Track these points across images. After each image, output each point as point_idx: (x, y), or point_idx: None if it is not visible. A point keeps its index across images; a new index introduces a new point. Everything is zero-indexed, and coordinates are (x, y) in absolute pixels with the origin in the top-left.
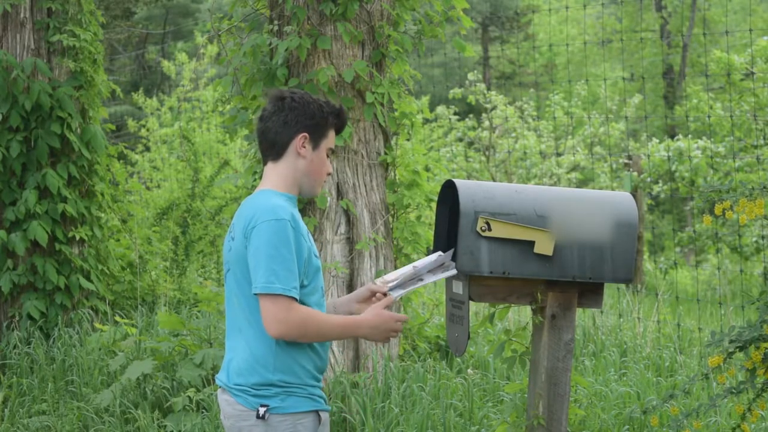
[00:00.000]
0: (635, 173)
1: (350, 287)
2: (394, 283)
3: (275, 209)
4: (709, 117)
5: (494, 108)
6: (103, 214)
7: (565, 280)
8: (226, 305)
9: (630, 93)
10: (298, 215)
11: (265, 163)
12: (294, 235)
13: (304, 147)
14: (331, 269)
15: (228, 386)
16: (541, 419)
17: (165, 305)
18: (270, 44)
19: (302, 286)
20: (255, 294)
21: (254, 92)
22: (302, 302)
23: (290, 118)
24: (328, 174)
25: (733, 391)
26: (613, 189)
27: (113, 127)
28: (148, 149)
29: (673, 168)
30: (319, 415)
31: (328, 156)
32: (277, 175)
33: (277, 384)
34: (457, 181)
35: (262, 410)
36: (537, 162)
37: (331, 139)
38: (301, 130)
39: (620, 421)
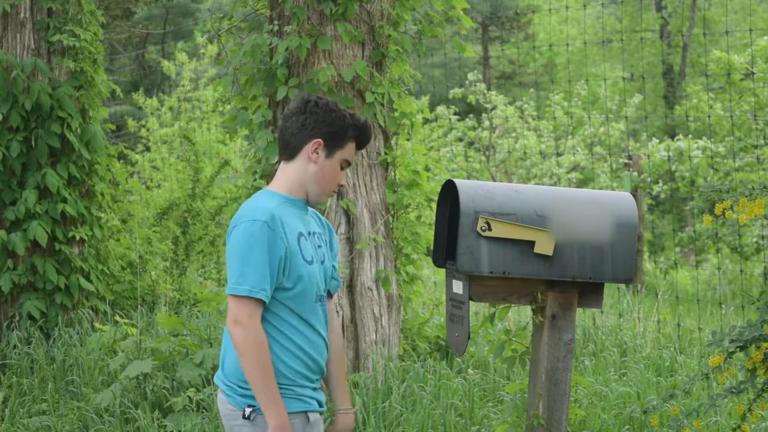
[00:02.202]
0: (635, 173)
1: (350, 287)
2: None
3: (255, 211)
4: (709, 117)
5: (494, 108)
6: (103, 214)
7: (565, 280)
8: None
9: (630, 93)
10: (290, 216)
11: (279, 161)
12: (270, 236)
13: (316, 153)
14: None
15: (220, 385)
16: (541, 419)
17: (165, 305)
18: (270, 44)
19: (283, 289)
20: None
21: (254, 92)
22: (286, 306)
23: (308, 122)
24: (340, 186)
25: (734, 391)
26: (613, 189)
27: (113, 127)
28: (148, 149)
29: (673, 168)
30: (307, 417)
31: (343, 168)
32: (285, 176)
33: None
34: (458, 181)
35: (248, 411)
36: (537, 162)
37: (348, 151)
38: (317, 135)
39: (620, 421)
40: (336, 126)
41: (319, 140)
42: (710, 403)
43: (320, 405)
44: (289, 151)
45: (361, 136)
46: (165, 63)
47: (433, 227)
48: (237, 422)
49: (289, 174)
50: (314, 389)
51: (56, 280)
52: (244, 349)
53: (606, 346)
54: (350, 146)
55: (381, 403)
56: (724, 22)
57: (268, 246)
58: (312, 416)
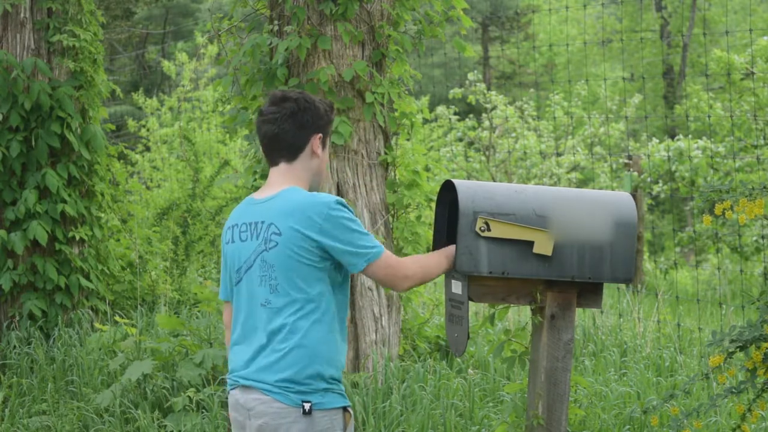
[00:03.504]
0: (635, 173)
1: (350, 287)
2: None
3: (326, 194)
4: (709, 117)
5: (494, 108)
6: (103, 214)
7: (565, 280)
8: (249, 302)
9: (630, 93)
10: None
11: (275, 164)
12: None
13: (319, 147)
14: None
15: (264, 384)
16: (541, 419)
17: (165, 305)
18: (270, 44)
19: (339, 276)
20: (364, 269)
21: (254, 92)
22: (340, 296)
23: (305, 120)
24: None
25: (734, 391)
26: (613, 189)
27: (113, 127)
28: (148, 149)
29: (673, 168)
30: (347, 412)
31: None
32: (293, 176)
33: (326, 378)
34: (457, 182)
35: (307, 406)
36: (537, 162)
37: (330, 135)
38: (317, 130)
39: (620, 421)
40: (325, 116)
41: (321, 135)
42: (710, 403)
43: None
44: (291, 152)
45: (333, 117)
46: (165, 63)
47: (433, 227)
48: (287, 420)
49: (296, 174)
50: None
51: (56, 280)
52: (422, 274)
53: (606, 346)
54: (331, 129)
55: (381, 403)
56: (724, 22)
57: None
58: (351, 411)
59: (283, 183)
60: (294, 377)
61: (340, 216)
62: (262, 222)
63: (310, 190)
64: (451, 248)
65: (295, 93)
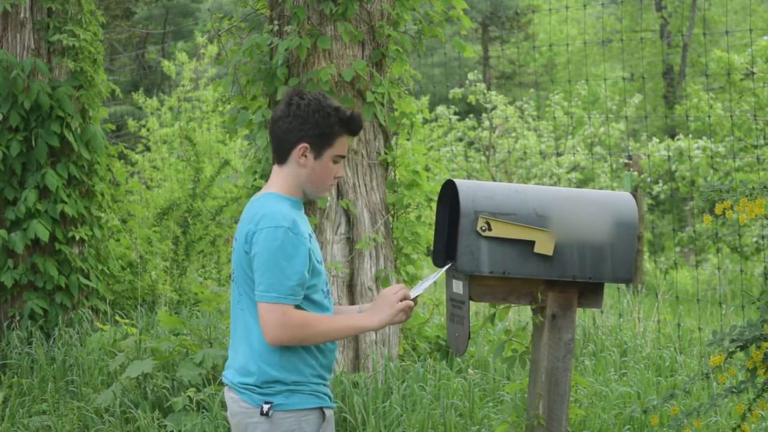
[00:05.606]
0: (635, 173)
1: (350, 287)
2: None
3: (275, 215)
4: (709, 117)
5: (494, 108)
6: (103, 214)
7: (565, 280)
8: (232, 303)
9: (630, 93)
10: (300, 219)
11: (273, 163)
12: (295, 240)
13: (305, 156)
14: (331, 269)
15: (233, 384)
16: (541, 419)
17: (165, 305)
18: (270, 44)
19: (307, 287)
20: (257, 301)
21: (254, 92)
22: (308, 299)
23: (293, 126)
24: (337, 177)
25: (734, 390)
26: (613, 189)
27: (113, 127)
28: (148, 149)
29: (673, 168)
30: (323, 412)
31: (336, 162)
32: (281, 179)
33: (282, 381)
34: (457, 181)
35: (266, 407)
36: (537, 162)
37: (338, 147)
38: (303, 139)
39: (620, 421)
40: (321, 126)
41: (305, 145)
42: (710, 403)
43: (331, 400)
44: (280, 154)
45: (351, 128)
46: (165, 63)
47: (433, 227)
48: (253, 420)
49: (285, 177)
50: (326, 386)
51: (57, 279)
52: (302, 337)
53: (606, 346)
54: (340, 141)
55: (381, 403)
56: (724, 22)
57: (296, 250)
58: (327, 412)
59: (270, 186)
60: (253, 380)
61: (263, 241)
62: (239, 224)
63: (307, 196)
64: (361, 323)
65: (300, 96)
